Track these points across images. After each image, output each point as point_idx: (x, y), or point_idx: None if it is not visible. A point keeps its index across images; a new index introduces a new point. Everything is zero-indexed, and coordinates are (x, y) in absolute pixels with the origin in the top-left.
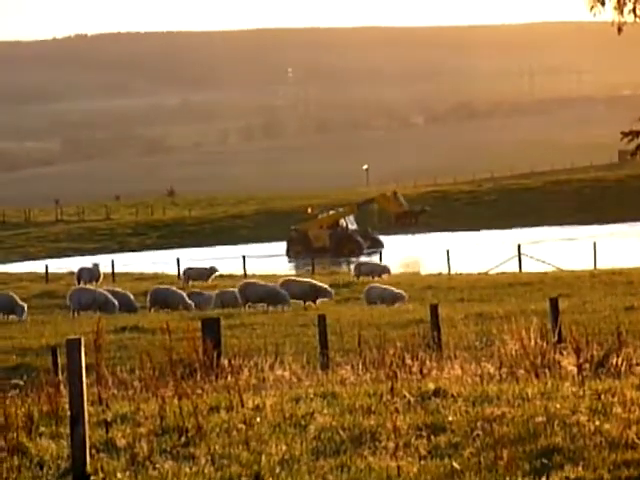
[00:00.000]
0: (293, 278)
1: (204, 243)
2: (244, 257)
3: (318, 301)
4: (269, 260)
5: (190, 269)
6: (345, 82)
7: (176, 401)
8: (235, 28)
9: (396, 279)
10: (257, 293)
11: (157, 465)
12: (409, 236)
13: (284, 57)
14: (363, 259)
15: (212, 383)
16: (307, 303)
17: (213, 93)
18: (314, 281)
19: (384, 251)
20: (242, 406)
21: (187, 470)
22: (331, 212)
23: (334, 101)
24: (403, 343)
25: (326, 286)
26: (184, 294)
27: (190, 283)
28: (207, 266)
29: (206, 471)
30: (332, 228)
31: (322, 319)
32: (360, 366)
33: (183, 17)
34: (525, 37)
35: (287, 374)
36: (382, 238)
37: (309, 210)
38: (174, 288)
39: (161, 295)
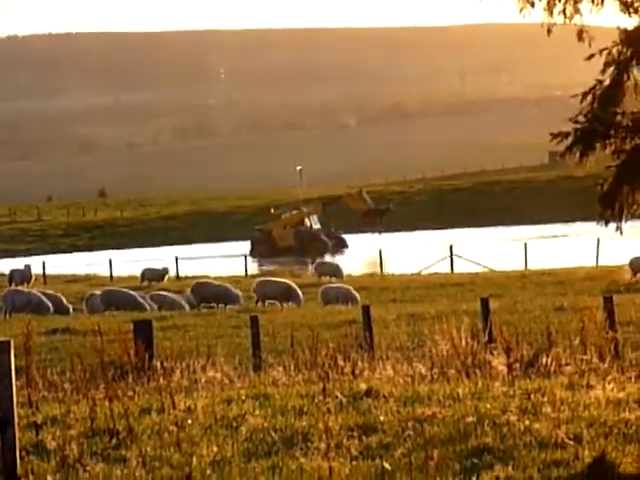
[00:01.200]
0: (269, 278)
1: (136, 244)
2: (177, 258)
3: (285, 305)
4: (227, 261)
5: (148, 270)
6: (277, 83)
7: (107, 403)
8: (168, 29)
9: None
10: (209, 293)
11: (88, 467)
12: (375, 235)
13: (217, 57)
14: (325, 259)
15: (144, 385)
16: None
17: (146, 93)
18: (291, 283)
19: (349, 251)
20: (174, 408)
21: (118, 472)
22: (295, 212)
23: (267, 101)
24: (335, 344)
25: (299, 292)
26: (137, 295)
27: (146, 284)
28: (160, 267)
29: (137, 473)
30: (296, 228)
31: (254, 320)
32: (292, 367)
33: (117, 17)
34: (456, 38)
35: (219, 375)
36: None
37: (272, 210)
38: (126, 289)
39: (114, 296)
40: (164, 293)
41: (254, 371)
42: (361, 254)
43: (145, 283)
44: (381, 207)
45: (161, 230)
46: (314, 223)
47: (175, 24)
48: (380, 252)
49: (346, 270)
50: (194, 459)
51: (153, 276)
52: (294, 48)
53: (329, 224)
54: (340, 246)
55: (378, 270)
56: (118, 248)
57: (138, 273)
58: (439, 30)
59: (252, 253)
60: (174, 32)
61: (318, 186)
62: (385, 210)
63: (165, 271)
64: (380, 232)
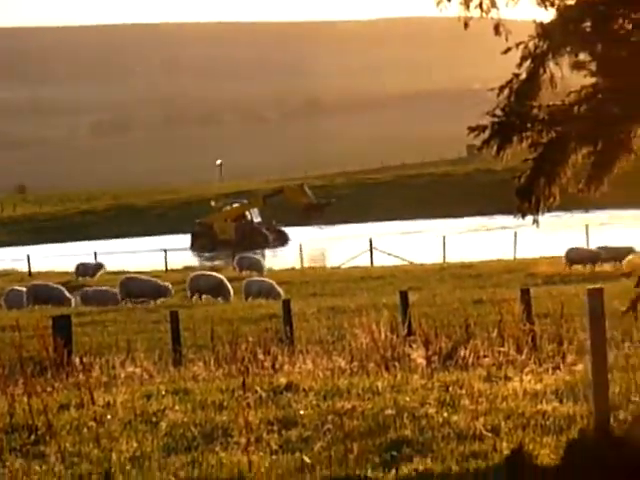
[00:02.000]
0: (203, 272)
1: (56, 239)
2: (95, 253)
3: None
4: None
5: (82, 265)
6: (196, 77)
7: (26, 399)
8: (85, 23)
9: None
10: (138, 288)
11: (7, 463)
12: (316, 229)
13: (135, 52)
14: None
15: (63, 381)
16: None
17: (63, 88)
18: (223, 278)
19: (290, 244)
20: (93, 403)
21: (37, 468)
22: (236, 205)
23: (186, 96)
24: (256, 338)
25: (230, 288)
26: (64, 289)
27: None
28: (94, 262)
29: (56, 469)
30: (237, 221)
31: (174, 315)
32: (212, 362)
33: (32, 12)
34: (375, 32)
35: (139, 371)
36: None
37: (212, 203)
38: (53, 284)
39: (40, 291)
40: (105, 288)
41: (174, 366)
42: (304, 248)
43: (80, 279)
44: (322, 201)
45: (81, 225)
46: (255, 216)
47: (92, 18)
48: (300, 246)
49: (289, 264)
50: (113, 454)
51: (85, 271)
52: (212, 42)
53: (270, 218)
54: (281, 240)
55: (323, 264)
56: (38, 243)
57: (59, 268)
58: (358, 24)
59: (193, 247)
60: (91, 26)
61: (238, 180)
62: (326, 204)
63: (99, 266)
64: (321, 226)
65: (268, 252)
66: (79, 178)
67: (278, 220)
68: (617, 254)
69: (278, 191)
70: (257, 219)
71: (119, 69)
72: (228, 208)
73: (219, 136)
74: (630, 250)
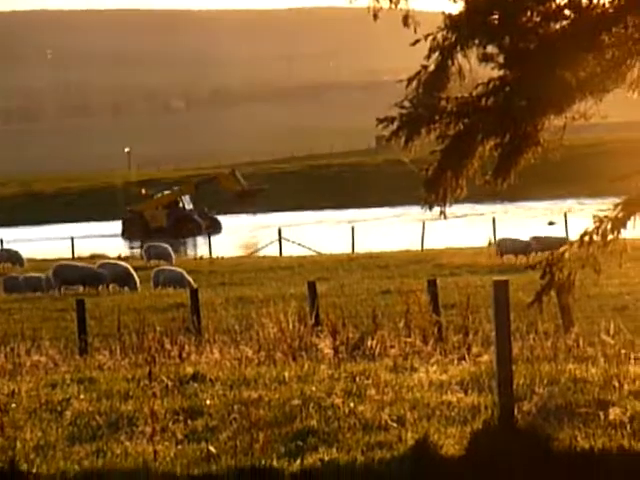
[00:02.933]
0: (108, 260)
1: None
2: (1, 240)
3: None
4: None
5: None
6: (104, 65)
7: None
8: None
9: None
10: (73, 275)
11: None
12: (250, 216)
13: (42, 39)
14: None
15: None
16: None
17: None
18: (129, 266)
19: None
20: None
21: None
22: (166, 192)
23: (94, 84)
24: (163, 328)
25: (136, 277)
26: None
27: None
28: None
29: None
30: (169, 208)
31: (80, 304)
32: (119, 351)
33: None
34: (283, 22)
35: (44, 359)
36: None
37: (143, 191)
38: None
39: None
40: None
41: (80, 355)
42: (236, 235)
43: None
44: (255, 187)
45: None
46: (187, 203)
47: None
48: (209, 235)
49: (220, 252)
50: (18, 443)
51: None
52: (120, 30)
53: (202, 205)
54: (213, 227)
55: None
56: None
57: None
58: (265, 13)
59: (124, 234)
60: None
61: (147, 169)
62: (259, 190)
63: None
64: (254, 213)
65: (200, 239)
66: None
67: (210, 207)
68: (549, 245)
69: (211, 178)
70: (189, 206)
71: (28, 56)
72: (159, 195)
73: (127, 125)
74: (563, 241)
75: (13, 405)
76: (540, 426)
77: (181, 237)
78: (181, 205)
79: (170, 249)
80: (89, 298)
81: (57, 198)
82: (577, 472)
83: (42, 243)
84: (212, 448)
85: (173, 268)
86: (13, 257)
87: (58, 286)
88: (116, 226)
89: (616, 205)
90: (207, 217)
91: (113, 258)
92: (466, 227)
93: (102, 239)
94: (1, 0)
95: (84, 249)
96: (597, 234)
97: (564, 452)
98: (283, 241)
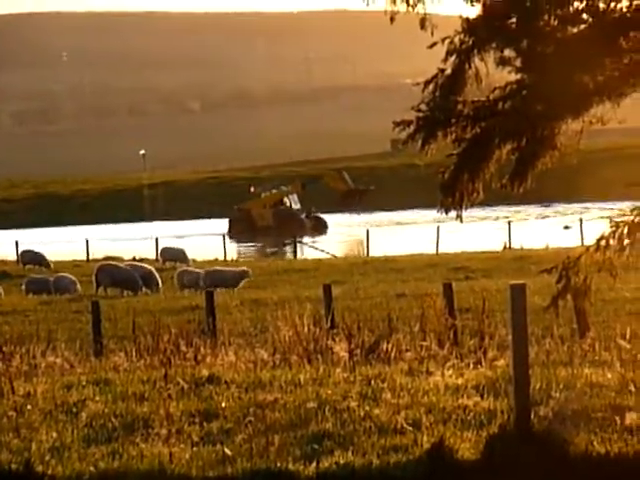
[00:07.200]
0: (114, 263)
1: None
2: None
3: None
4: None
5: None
6: (121, 68)
7: None
8: (9, 12)
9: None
10: (118, 276)
11: None
12: (354, 216)
13: (60, 41)
14: (306, 239)
15: None
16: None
17: None
18: (152, 268)
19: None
20: (12, 393)
21: None
22: (274, 191)
23: (110, 86)
24: (178, 329)
25: (159, 279)
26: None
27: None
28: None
29: None
30: (276, 207)
31: (96, 306)
32: (134, 353)
33: None
34: (301, 25)
35: (59, 361)
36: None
37: (251, 189)
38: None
39: None
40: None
41: (95, 356)
42: (342, 235)
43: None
44: (361, 187)
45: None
46: (294, 203)
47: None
48: (224, 237)
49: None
50: (33, 445)
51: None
52: (137, 33)
53: (309, 204)
54: (319, 226)
55: (362, 252)
56: None
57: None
58: (284, 16)
59: (230, 233)
60: (15, 14)
61: (162, 170)
62: (365, 190)
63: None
64: (359, 212)
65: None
66: (1, 166)
67: (317, 207)
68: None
69: (318, 177)
70: (296, 205)
71: (45, 58)
72: (267, 194)
73: (143, 127)
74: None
75: (29, 406)
76: (556, 431)
77: (286, 236)
78: (288, 204)
79: (186, 251)
80: (104, 300)
81: (72, 200)
82: (593, 477)
83: (57, 245)
84: (228, 450)
85: (198, 270)
86: (38, 258)
87: (104, 287)
88: (123, 228)
89: (632, 209)
90: (313, 216)
91: (128, 260)
92: (481, 230)
93: (115, 242)
94: (18, 2)
95: (97, 250)
96: (613, 238)
97: (580, 457)
98: (300, 245)
